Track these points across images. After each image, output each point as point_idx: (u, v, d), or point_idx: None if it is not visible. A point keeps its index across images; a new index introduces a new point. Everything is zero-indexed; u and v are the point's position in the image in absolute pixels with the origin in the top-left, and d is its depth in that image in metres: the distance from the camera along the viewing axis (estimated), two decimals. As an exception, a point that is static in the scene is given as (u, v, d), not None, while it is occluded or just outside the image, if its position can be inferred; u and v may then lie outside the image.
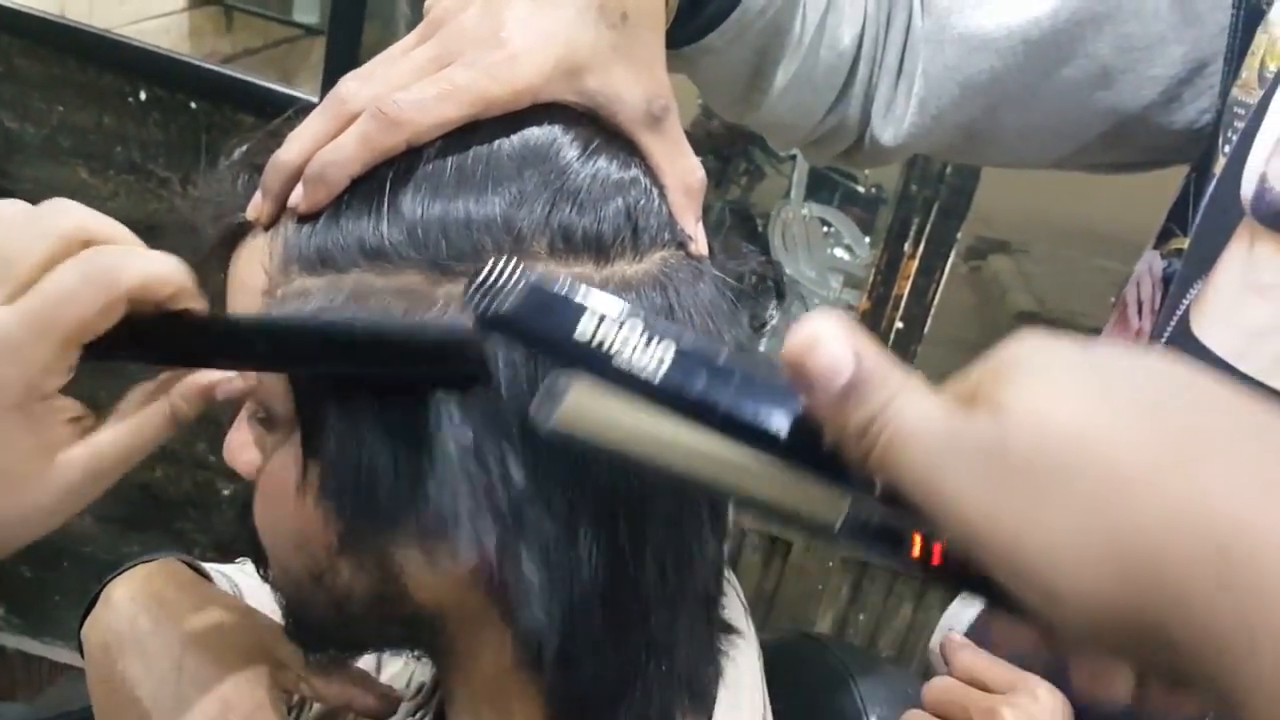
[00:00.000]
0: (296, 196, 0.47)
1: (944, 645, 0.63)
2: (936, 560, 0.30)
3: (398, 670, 0.65)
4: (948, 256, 1.64)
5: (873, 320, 1.66)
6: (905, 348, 1.67)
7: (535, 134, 0.47)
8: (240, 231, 0.50)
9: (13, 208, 0.45)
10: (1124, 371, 0.29)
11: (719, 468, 0.34)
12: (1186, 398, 0.28)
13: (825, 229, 1.94)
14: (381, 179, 0.46)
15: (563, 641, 0.46)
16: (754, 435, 0.33)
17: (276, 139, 0.52)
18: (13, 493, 0.44)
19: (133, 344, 0.44)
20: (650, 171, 0.49)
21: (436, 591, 0.48)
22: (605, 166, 0.48)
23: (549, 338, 0.35)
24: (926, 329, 1.66)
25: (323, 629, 0.55)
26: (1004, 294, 3.59)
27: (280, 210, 0.48)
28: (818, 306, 1.81)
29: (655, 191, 0.49)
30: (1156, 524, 0.25)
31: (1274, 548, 0.24)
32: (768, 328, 0.59)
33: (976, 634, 0.66)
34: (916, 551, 0.30)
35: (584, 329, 0.35)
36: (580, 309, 0.35)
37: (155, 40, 1.61)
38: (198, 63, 1.41)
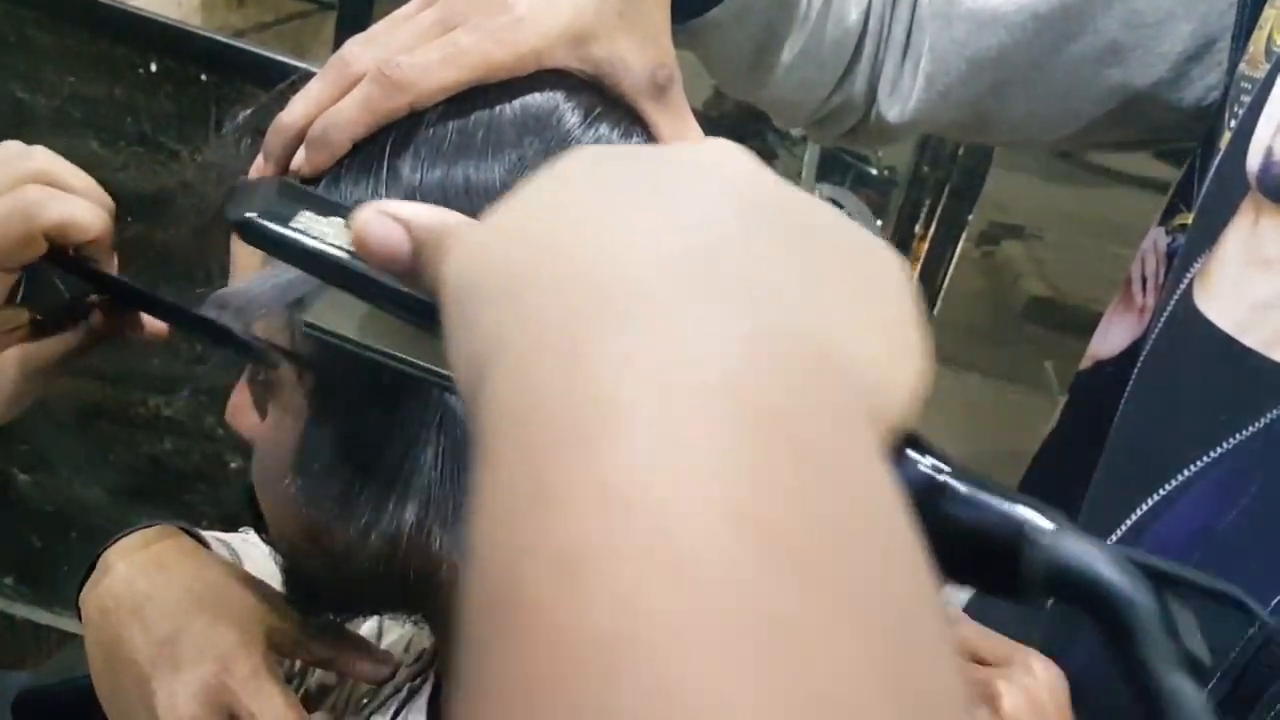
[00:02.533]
0: (298, 159, 0.47)
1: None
2: None
3: (396, 637, 0.65)
4: (958, 238, 1.64)
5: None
6: (914, 329, 1.67)
7: (537, 100, 0.47)
8: None
9: (8, 148, 0.53)
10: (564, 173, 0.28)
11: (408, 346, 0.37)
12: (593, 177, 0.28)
13: (830, 199, 1.93)
14: (382, 143, 0.47)
15: None
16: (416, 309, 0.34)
17: (281, 104, 0.53)
18: None
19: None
20: (653, 141, 0.49)
21: (431, 556, 0.48)
22: (607, 134, 0.48)
23: (271, 231, 0.37)
24: (937, 310, 1.66)
25: (320, 589, 0.56)
26: (1016, 280, 3.58)
27: (282, 173, 0.48)
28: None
29: None
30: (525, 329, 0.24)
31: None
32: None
33: (973, 609, 0.66)
34: None
35: (300, 220, 0.37)
36: (302, 201, 0.39)
37: (166, 13, 1.61)
38: (209, 35, 1.41)
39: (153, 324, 0.58)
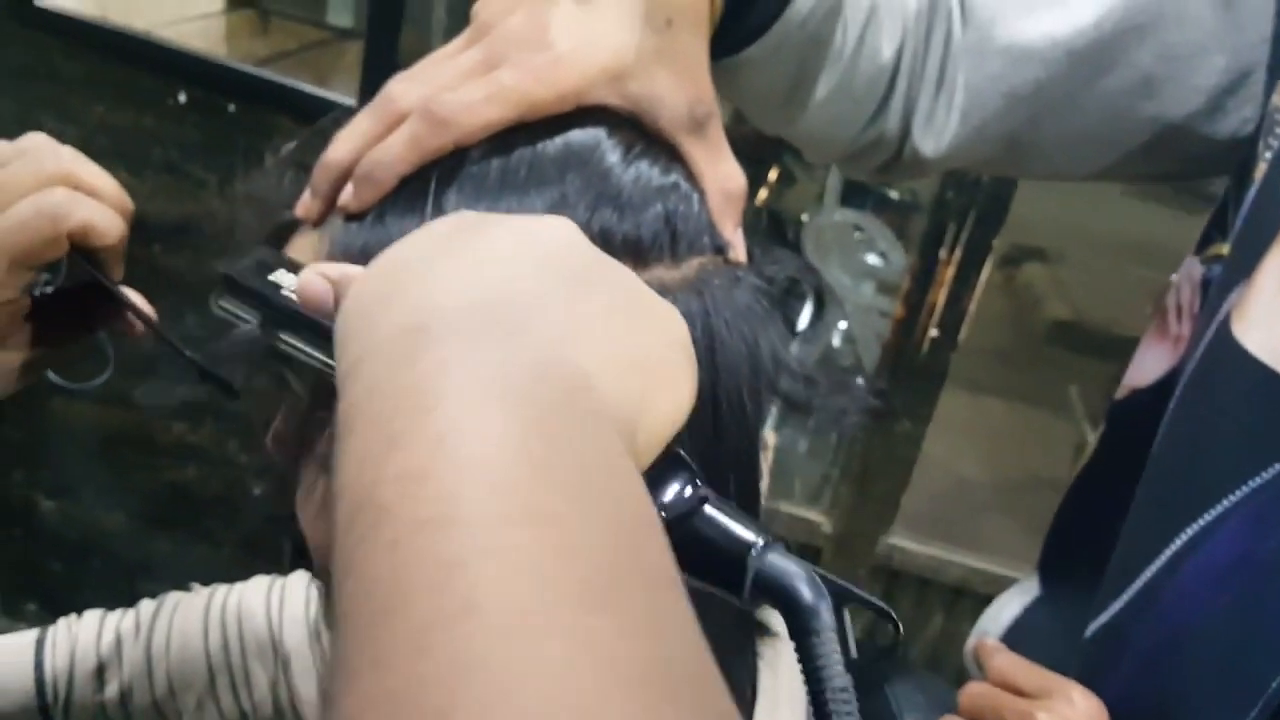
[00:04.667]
0: (345, 195, 0.47)
1: (978, 649, 0.63)
2: None
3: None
4: (983, 264, 1.63)
5: (907, 328, 1.65)
6: (940, 355, 1.66)
7: (578, 137, 0.48)
8: (288, 227, 0.51)
9: (31, 141, 0.55)
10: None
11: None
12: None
13: (857, 233, 1.93)
14: (427, 178, 0.47)
15: None
16: None
17: (322, 138, 0.53)
18: None
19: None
20: (691, 176, 0.49)
21: None
22: (646, 171, 0.48)
23: (252, 288, 0.44)
24: (962, 336, 1.65)
25: None
26: (1038, 302, 3.56)
27: (329, 208, 0.49)
28: (851, 313, 1.80)
29: (695, 197, 0.49)
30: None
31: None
32: (800, 332, 0.59)
33: (1012, 637, 0.66)
34: None
35: (275, 274, 0.44)
36: (279, 265, 0.45)
37: (192, 42, 1.63)
38: (236, 66, 1.42)
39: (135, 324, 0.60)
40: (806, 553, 1.73)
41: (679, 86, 0.49)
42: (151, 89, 1.48)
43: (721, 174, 0.49)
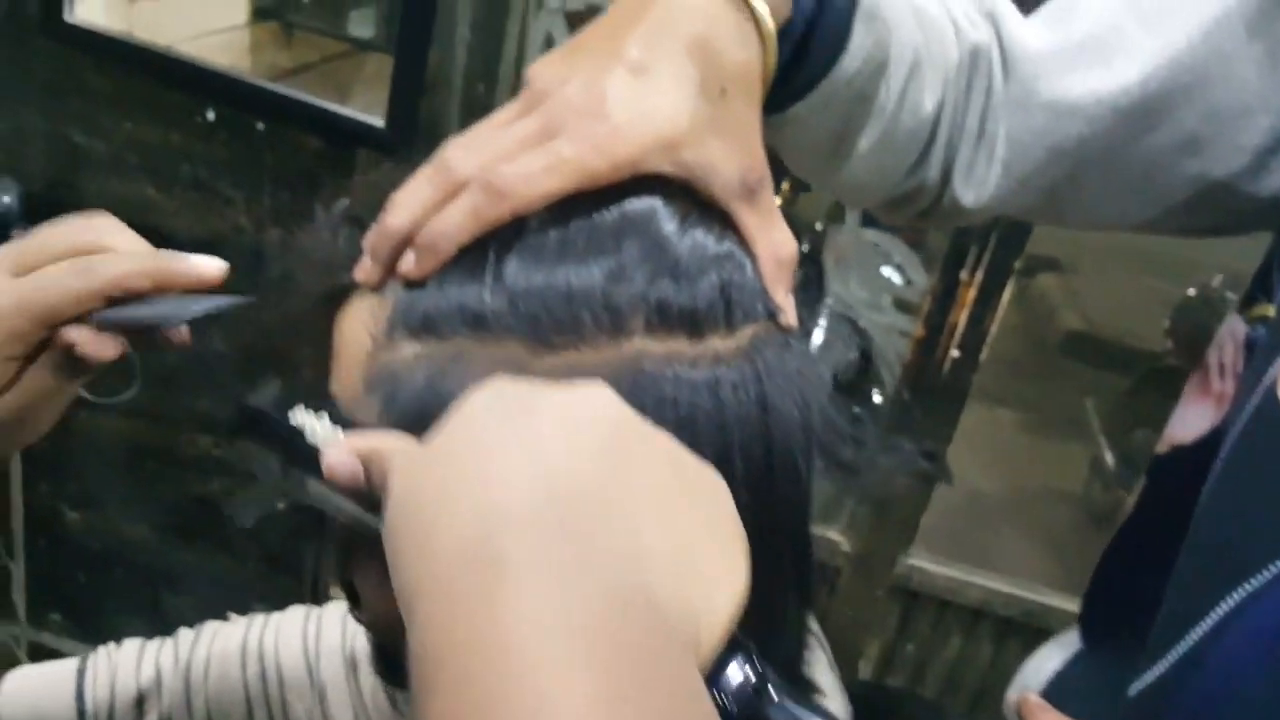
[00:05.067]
0: (406, 263, 0.48)
1: (1022, 705, 0.63)
2: None
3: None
4: (1005, 285, 1.63)
5: (928, 348, 1.65)
6: (962, 376, 1.66)
7: (634, 205, 0.48)
8: (345, 290, 0.51)
9: (95, 220, 0.56)
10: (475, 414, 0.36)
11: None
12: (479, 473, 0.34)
13: (876, 249, 1.93)
14: (486, 247, 0.47)
15: None
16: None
17: (373, 192, 0.53)
18: None
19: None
20: (743, 243, 0.49)
21: None
22: (701, 239, 0.48)
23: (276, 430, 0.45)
24: (983, 356, 1.65)
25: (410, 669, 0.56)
26: (1052, 313, 3.56)
27: (388, 274, 0.49)
28: (872, 333, 1.80)
29: (748, 264, 0.49)
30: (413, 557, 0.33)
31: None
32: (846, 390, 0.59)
33: (1053, 691, 0.66)
34: None
35: (299, 419, 0.45)
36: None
37: (217, 55, 1.63)
38: (265, 85, 1.42)
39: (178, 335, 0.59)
40: (825, 572, 1.73)
41: (732, 154, 0.49)
42: (180, 105, 1.49)
43: (774, 241, 0.50)
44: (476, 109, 1.45)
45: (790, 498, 0.49)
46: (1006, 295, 1.64)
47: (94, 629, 1.90)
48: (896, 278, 1.94)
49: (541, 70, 0.50)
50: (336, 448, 0.41)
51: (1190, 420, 0.65)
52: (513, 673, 0.27)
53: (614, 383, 0.40)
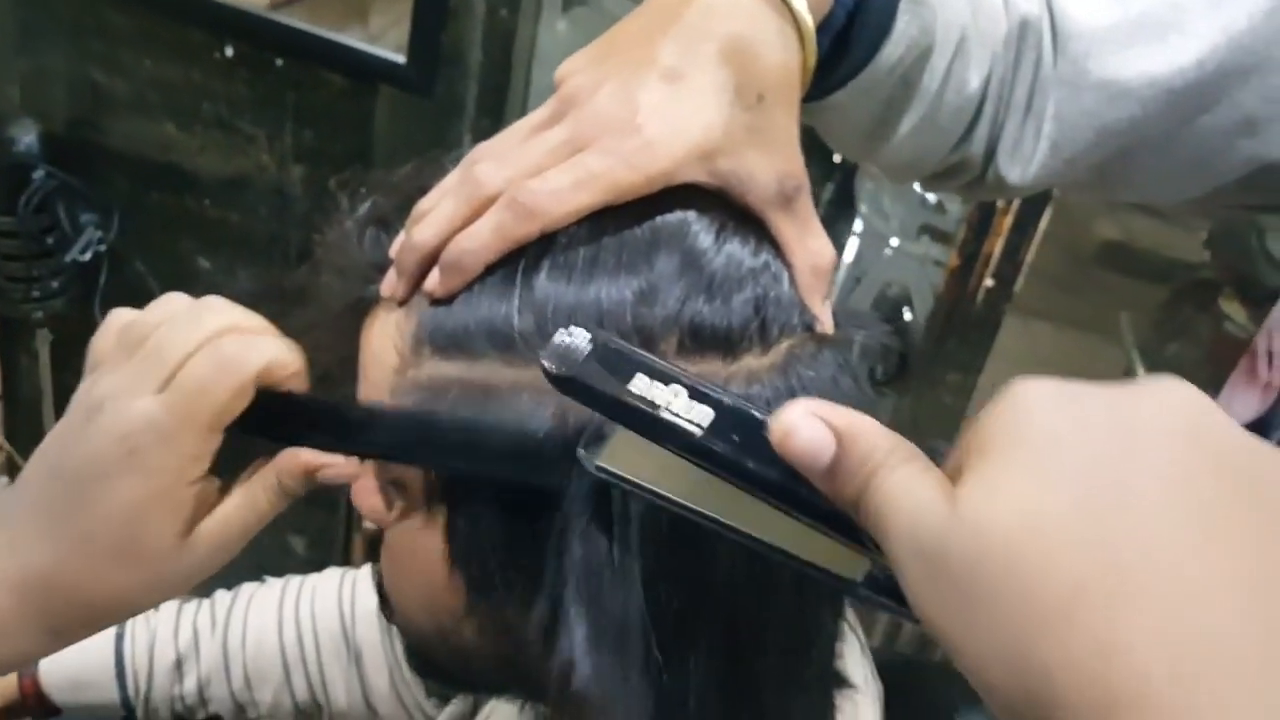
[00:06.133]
0: (431, 280, 0.46)
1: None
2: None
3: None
4: (1042, 212, 1.59)
5: (961, 278, 1.62)
6: (995, 306, 1.63)
7: (667, 219, 0.46)
8: (371, 302, 0.50)
9: (173, 304, 0.48)
10: (1106, 458, 0.28)
11: (748, 519, 0.38)
12: (1159, 499, 0.27)
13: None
14: (514, 265, 0.46)
15: None
16: (780, 494, 0.35)
17: (400, 192, 0.52)
18: (156, 569, 0.47)
19: (261, 424, 0.47)
20: (778, 253, 0.48)
21: (553, 663, 0.48)
22: (737, 252, 0.47)
23: (604, 393, 0.38)
24: (1017, 287, 1.63)
25: (446, 674, 0.56)
26: (1091, 223, 3.50)
27: (414, 290, 0.48)
28: (905, 263, 1.77)
29: (784, 275, 0.48)
30: (1058, 664, 0.26)
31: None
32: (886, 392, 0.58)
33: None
34: None
35: (636, 384, 0.37)
36: (636, 364, 0.38)
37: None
38: (284, 21, 1.39)
39: (344, 463, 0.50)
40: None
41: (768, 162, 0.47)
42: (199, 43, 1.46)
43: (811, 250, 0.48)
44: (499, 39, 1.41)
45: None
46: (1043, 223, 1.60)
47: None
48: (932, 208, 1.90)
49: (572, 74, 0.48)
50: (802, 413, 0.33)
51: (1235, 408, 0.64)
52: None
53: None
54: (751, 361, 0.46)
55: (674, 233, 0.46)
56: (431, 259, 0.47)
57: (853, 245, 1.99)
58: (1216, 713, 0.24)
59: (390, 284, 0.49)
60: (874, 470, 0.32)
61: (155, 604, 0.49)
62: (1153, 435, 0.28)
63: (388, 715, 0.87)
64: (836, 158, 2.31)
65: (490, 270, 0.46)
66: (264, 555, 1.79)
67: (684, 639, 0.45)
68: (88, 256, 1.55)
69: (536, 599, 0.46)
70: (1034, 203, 1.57)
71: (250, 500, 0.49)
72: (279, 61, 1.44)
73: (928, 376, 1.67)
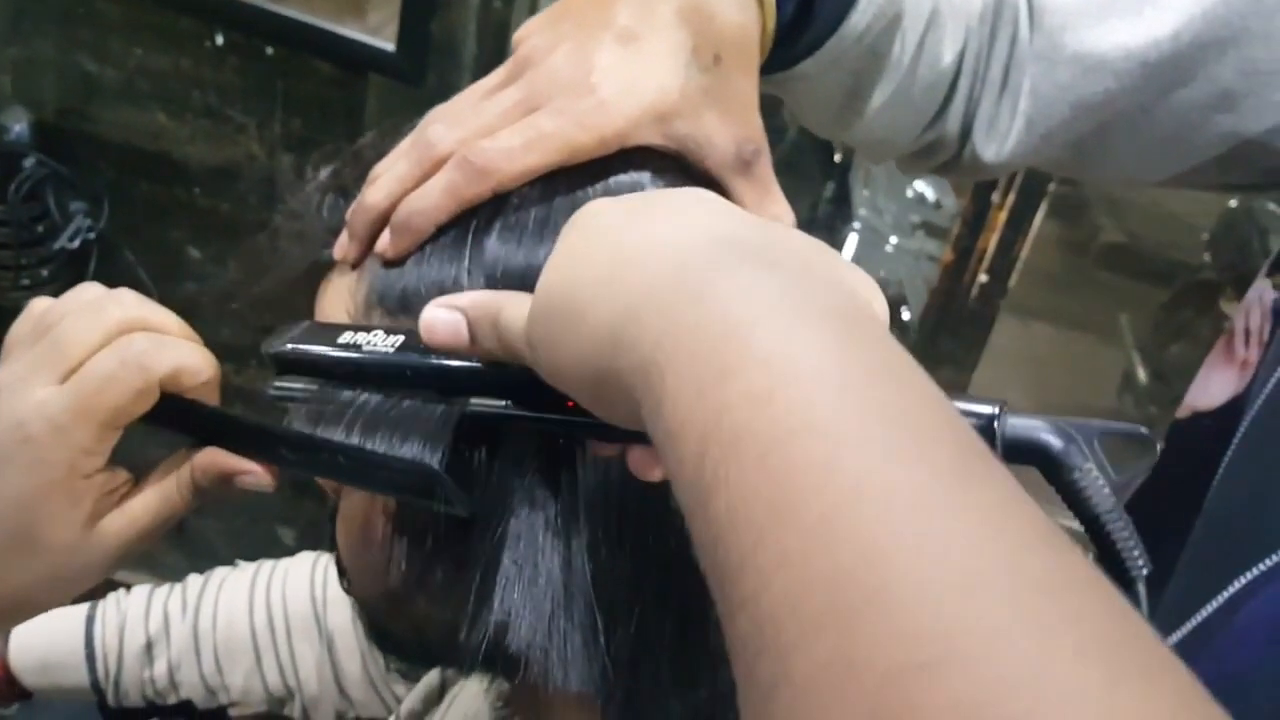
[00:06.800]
0: (383, 241, 0.46)
1: None
2: (571, 404, 0.37)
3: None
4: (1037, 209, 1.58)
5: (955, 273, 1.62)
6: (988, 302, 1.62)
7: (621, 181, 0.46)
8: (326, 266, 0.50)
9: (83, 295, 0.47)
10: (614, 228, 0.35)
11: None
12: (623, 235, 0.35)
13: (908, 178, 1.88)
14: (465, 226, 0.45)
15: (627, 695, 0.46)
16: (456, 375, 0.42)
17: (360, 160, 0.52)
18: (55, 562, 0.46)
19: (163, 423, 0.47)
20: None
21: (508, 633, 0.47)
22: None
23: (315, 352, 0.44)
24: (1012, 282, 1.62)
25: (403, 647, 0.56)
26: (1092, 223, 3.49)
27: (366, 252, 0.48)
28: (899, 258, 1.76)
29: None
30: (594, 344, 0.33)
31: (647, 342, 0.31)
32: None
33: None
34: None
35: (343, 338, 0.44)
36: (340, 329, 0.45)
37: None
38: (274, 9, 1.39)
39: (262, 472, 0.49)
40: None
41: (726, 125, 0.46)
42: (189, 31, 1.46)
43: (769, 215, 0.47)
44: (492, 29, 1.40)
45: None
46: (1038, 219, 1.59)
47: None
48: (930, 193, 1.90)
49: (528, 36, 0.48)
50: (433, 306, 0.40)
51: (1213, 387, 0.63)
52: (739, 337, 0.28)
53: None
54: None
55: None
56: (383, 220, 0.46)
57: (851, 243, 1.98)
58: (698, 281, 0.30)
59: (342, 246, 0.48)
60: (496, 314, 0.38)
61: (62, 599, 0.48)
62: (658, 195, 0.37)
63: (360, 701, 0.86)
64: (837, 156, 2.30)
65: (442, 232, 0.46)
66: (253, 546, 1.78)
67: (630, 602, 0.44)
68: (77, 244, 1.54)
69: (476, 562, 0.46)
70: (1029, 198, 1.56)
71: (163, 496, 0.48)
72: (269, 50, 1.44)
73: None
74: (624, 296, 0.32)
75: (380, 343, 0.43)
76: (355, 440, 0.43)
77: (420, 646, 0.55)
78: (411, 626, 0.52)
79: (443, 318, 0.40)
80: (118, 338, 0.44)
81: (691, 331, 0.29)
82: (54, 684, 0.86)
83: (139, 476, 0.48)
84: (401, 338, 0.43)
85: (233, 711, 0.87)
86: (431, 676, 0.74)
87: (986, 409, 0.36)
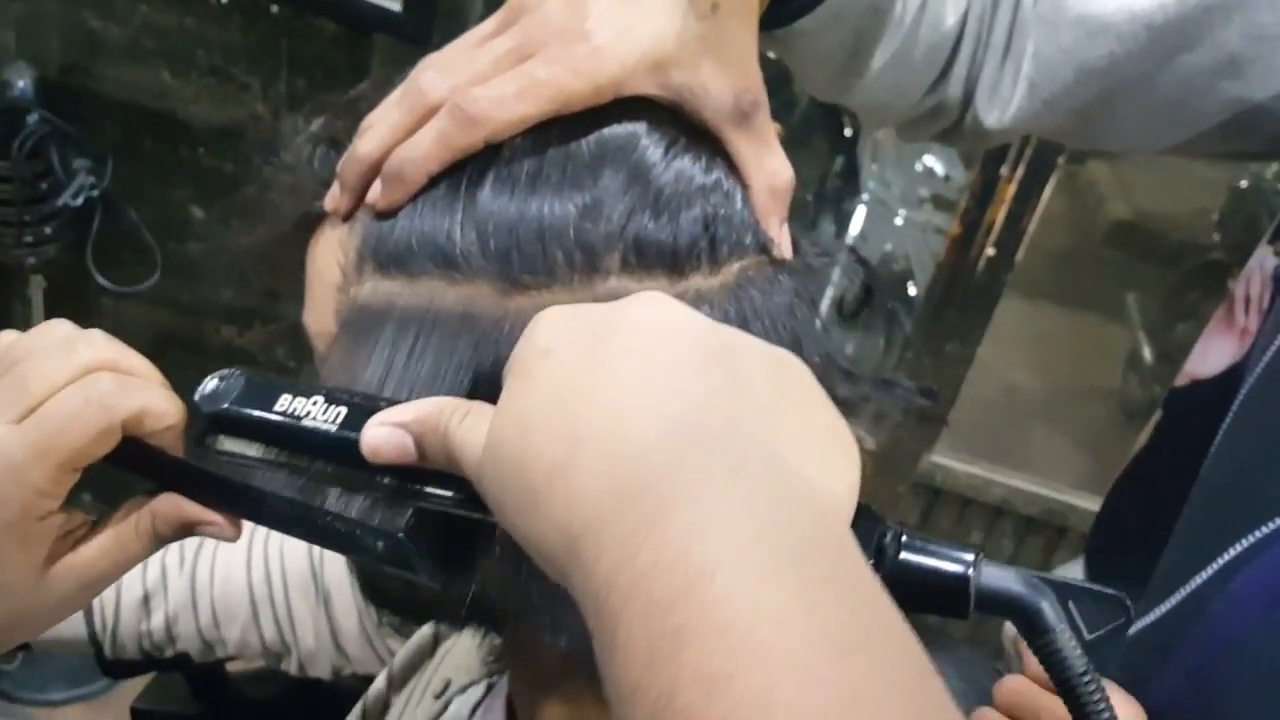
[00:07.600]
0: (374, 192, 0.45)
1: (1018, 642, 0.62)
2: None
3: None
4: (1046, 182, 1.57)
5: (963, 246, 1.61)
6: (996, 275, 1.62)
7: (615, 132, 0.45)
8: (318, 218, 0.49)
9: (53, 332, 0.45)
10: (577, 357, 0.34)
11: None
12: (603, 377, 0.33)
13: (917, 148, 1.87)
14: (458, 179, 0.45)
15: None
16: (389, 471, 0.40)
17: (354, 111, 0.51)
18: (8, 604, 0.45)
19: (124, 466, 0.45)
20: (733, 172, 0.47)
21: (504, 586, 0.47)
22: (687, 168, 0.45)
23: (253, 416, 0.43)
24: (1019, 257, 1.61)
25: (394, 599, 0.56)
26: (1101, 202, 3.46)
27: (357, 203, 0.47)
28: (907, 230, 1.75)
29: (738, 194, 0.46)
30: (549, 527, 0.32)
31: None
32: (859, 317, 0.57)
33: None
34: None
35: (280, 403, 0.42)
36: (280, 390, 0.43)
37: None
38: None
39: (224, 523, 0.47)
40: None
41: (724, 76, 0.46)
42: (194, -11, 1.45)
43: (768, 169, 0.47)
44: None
45: None
46: (1046, 193, 1.58)
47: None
48: (940, 167, 1.89)
49: None
50: (376, 425, 0.38)
51: (1212, 354, 0.62)
52: (697, 595, 0.27)
53: None
54: (700, 281, 0.44)
55: (622, 146, 0.45)
56: (375, 171, 0.46)
57: (859, 216, 1.97)
58: (655, 505, 0.29)
59: (334, 198, 0.48)
60: (445, 435, 0.37)
61: (9, 642, 0.47)
62: (616, 330, 0.34)
63: (356, 657, 0.87)
64: (846, 130, 2.29)
65: (434, 183, 0.45)
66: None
67: None
68: (80, 202, 1.54)
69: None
70: (1038, 171, 1.55)
71: (120, 542, 0.46)
72: (274, 8, 1.43)
73: (926, 346, 1.66)
74: (579, 504, 0.31)
75: (320, 415, 0.41)
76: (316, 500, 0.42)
77: (412, 601, 0.55)
78: (403, 581, 0.52)
79: (387, 438, 0.38)
80: (83, 377, 0.43)
81: (647, 575, 0.28)
82: (52, 635, 0.86)
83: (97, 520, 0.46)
84: (344, 410, 0.40)
85: (230, 665, 0.88)
86: (424, 631, 0.74)
87: (959, 565, 0.36)
